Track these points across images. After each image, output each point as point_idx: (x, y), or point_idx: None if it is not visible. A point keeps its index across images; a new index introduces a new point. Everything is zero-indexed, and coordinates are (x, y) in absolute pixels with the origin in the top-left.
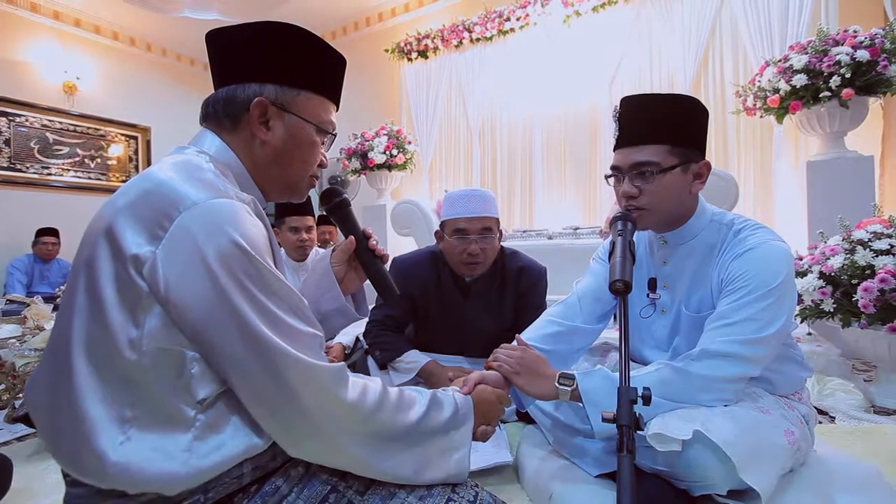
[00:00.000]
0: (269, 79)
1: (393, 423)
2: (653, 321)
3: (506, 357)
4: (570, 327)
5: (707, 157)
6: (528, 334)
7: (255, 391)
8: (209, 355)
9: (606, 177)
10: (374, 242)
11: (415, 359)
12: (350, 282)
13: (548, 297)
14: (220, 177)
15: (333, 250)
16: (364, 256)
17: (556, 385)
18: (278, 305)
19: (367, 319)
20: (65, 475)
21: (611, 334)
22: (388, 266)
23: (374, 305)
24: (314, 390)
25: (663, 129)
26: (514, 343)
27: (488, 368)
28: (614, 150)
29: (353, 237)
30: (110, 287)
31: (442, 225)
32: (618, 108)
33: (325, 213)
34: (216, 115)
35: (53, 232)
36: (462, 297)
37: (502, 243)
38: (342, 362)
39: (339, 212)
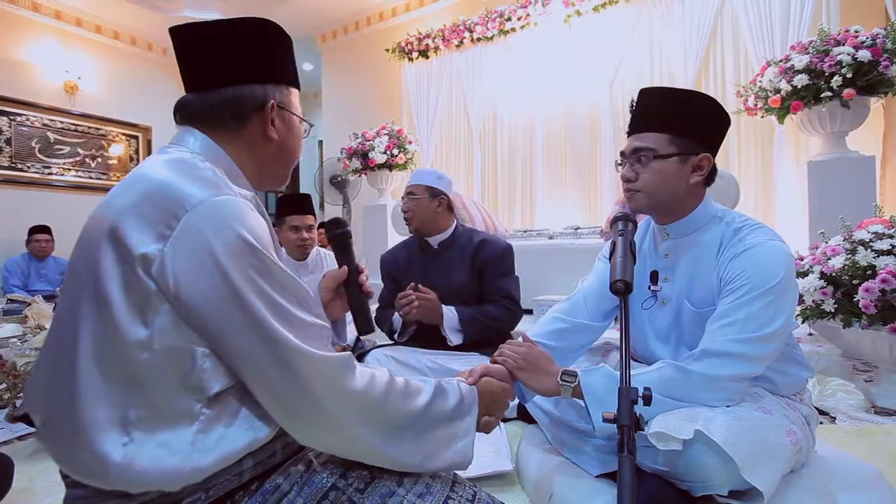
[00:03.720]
0: (270, 79)
1: (400, 411)
2: (653, 312)
3: (510, 352)
4: (574, 324)
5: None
6: (534, 331)
7: (267, 384)
8: (219, 350)
9: (617, 163)
10: (364, 278)
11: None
12: (334, 308)
13: (548, 296)
14: (217, 174)
15: (324, 277)
16: (352, 289)
17: (559, 381)
18: (286, 298)
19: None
20: (64, 476)
21: (612, 334)
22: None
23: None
24: (324, 382)
25: (667, 120)
26: (520, 340)
27: (493, 363)
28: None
29: (346, 268)
30: (117, 289)
31: None
32: (634, 99)
33: (328, 238)
34: (216, 115)
35: (45, 229)
36: (428, 257)
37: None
38: (348, 352)
39: (340, 241)
